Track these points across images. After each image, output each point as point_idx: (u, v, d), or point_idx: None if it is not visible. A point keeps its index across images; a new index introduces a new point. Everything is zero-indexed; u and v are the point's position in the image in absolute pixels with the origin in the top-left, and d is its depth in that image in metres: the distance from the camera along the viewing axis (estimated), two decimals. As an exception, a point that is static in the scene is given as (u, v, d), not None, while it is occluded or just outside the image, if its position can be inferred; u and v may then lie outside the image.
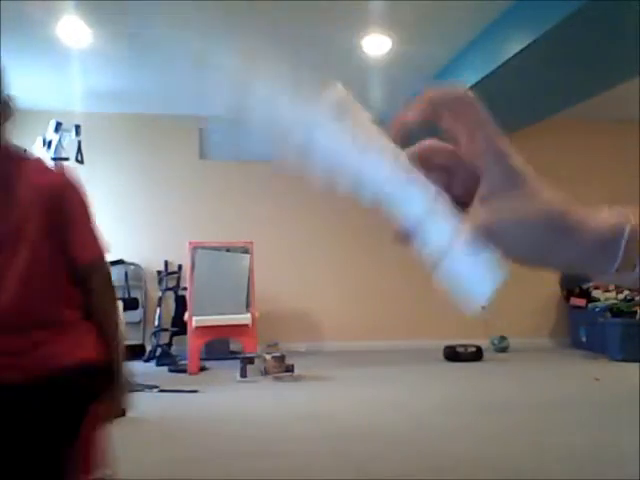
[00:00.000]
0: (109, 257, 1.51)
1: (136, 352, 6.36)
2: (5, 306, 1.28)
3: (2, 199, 1.30)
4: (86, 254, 1.42)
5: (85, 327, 1.39)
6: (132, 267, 6.92)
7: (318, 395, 4.81)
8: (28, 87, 5.81)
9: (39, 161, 1.41)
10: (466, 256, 0.45)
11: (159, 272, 6.98)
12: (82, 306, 1.40)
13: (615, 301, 6.66)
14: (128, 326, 6.48)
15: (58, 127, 5.39)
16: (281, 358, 5.52)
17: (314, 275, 7.35)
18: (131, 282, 6.92)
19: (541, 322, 7.51)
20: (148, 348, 6.61)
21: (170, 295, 6.91)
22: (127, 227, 6.83)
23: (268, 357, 5.52)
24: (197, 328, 5.76)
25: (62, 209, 1.35)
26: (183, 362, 5.99)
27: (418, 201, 0.46)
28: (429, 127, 0.48)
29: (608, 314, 6.53)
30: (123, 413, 1.43)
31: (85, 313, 1.41)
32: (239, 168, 7.15)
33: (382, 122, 0.47)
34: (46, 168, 1.41)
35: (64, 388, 1.30)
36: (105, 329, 1.43)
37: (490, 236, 0.45)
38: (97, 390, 1.37)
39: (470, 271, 0.45)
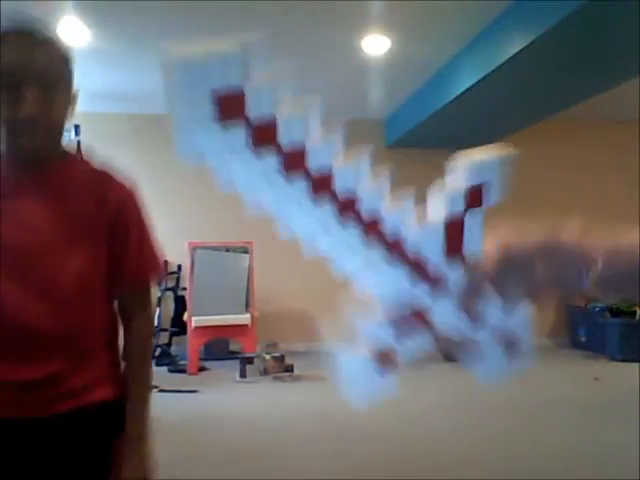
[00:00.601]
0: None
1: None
2: (38, 324, 1.13)
3: (63, 205, 1.19)
4: (145, 270, 1.29)
5: (107, 358, 1.23)
6: (132, 267, 6.92)
7: (318, 395, 4.81)
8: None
9: (107, 171, 1.28)
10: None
11: (159, 272, 6.98)
12: (111, 332, 1.26)
13: (614, 301, 6.65)
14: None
15: (58, 127, 5.39)
16: (281, 358, 5.52)
17: (314, 275, 7.34)
18: (131, 282, 6.91)
19: (540, 322, 7.44)
20: (148, 348, 6.62)
21: (169, 295, 6.91)
22: (127, 227, 6.82)
23: (268, 357, 5.52)
24: (196, 328, 5.76)
25: (123, 221, 1.24)
26: (183, 362, 5.99)
27: None
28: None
29: (607, 314, 6.53)
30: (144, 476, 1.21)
31: (114, 338, 1.27)
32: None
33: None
34: (110, 177, 1.27)
35: (76, 429, 1.16)
36: (136, 361, 1.27)
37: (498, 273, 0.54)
38: (109, 434, 1.20)
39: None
